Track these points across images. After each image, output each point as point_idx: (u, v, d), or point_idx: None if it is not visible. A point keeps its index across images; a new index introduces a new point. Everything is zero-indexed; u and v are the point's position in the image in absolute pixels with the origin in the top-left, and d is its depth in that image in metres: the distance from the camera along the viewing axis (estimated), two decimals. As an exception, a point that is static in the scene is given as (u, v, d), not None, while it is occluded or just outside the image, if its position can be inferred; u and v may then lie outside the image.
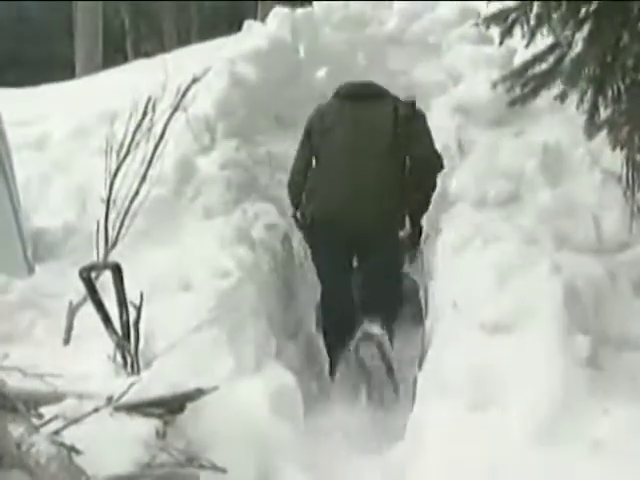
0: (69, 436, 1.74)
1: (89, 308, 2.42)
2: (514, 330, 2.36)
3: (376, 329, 2.61)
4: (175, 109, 2.86)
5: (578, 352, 2.27)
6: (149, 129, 2.72)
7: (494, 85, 2.87)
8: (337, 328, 2.76)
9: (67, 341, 2.49)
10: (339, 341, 2.73)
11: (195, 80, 2.90)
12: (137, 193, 2.76)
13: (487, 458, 2.09)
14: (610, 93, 2.43)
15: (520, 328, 2.35)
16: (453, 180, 3.03)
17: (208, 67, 3.12)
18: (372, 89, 2.86)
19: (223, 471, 1.83)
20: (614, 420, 2.13)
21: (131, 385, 1.85)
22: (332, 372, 2.78)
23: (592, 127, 2.41)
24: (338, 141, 2.71)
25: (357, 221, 2.67)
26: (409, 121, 2.73)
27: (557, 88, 2.58)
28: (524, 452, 2.08)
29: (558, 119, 3.04)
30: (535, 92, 2.64)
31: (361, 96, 2.79)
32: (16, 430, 1.64)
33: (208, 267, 2.73)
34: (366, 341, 2.59)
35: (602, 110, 2.45)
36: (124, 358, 2.32)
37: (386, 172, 2.72)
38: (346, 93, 2.82)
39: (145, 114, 2.74)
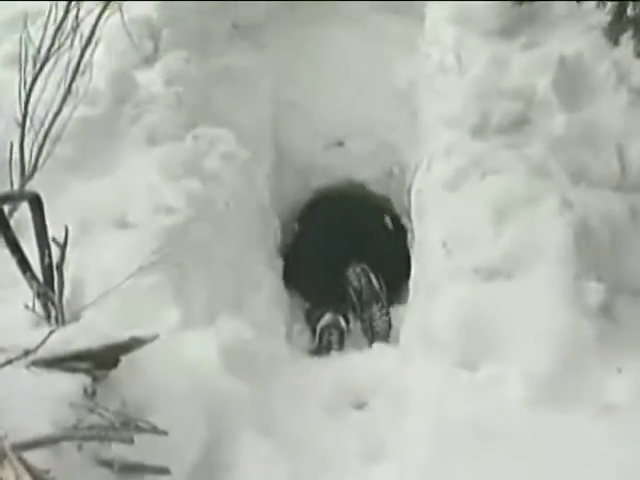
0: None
1: (2, 250, 2.41)
2: (514, 276, 2.42)
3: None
4: (106, 5, 2.80)
5: (589, 301, 2.34)
6: (74, 29, 2.66)
7: (499, -22, 2.85)
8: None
9: (-25, 290, 2.49)
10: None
11: (132, -31, 2.83)
12: (60, 111, 2.71)
13: (478, 423, 2.17)
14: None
15: (521, 273, 2.42)
16: (449, 101, 3.03)
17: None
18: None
19: (164, 434, 1.87)
20: (629, 381, 2.22)
21: (50, 333, 1.86)
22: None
23: (615, 29, 2.41)
24: None
25: None
26: None
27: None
28: (521, 417, 2.17)
29: (578, 27, 3.03)
30: (549, -14, 2.63)
31: None
32: None
33: (150, 202, 2.72)
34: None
35: (629, 11, 2.45)
36: (46, 308, 2.32)
37: None
38: None
39: (68, 11, 2.67)
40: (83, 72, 2.74)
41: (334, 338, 2.96)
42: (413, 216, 3.03)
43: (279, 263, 3.31)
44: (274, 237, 3.37)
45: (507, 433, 2.14)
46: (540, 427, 2.13)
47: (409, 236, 3.27)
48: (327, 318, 3.01)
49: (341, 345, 2.96)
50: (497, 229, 2.53)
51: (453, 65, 3.17)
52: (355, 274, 3.17)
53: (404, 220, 3.37)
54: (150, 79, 3.19)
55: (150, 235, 2.62)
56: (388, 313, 3.05)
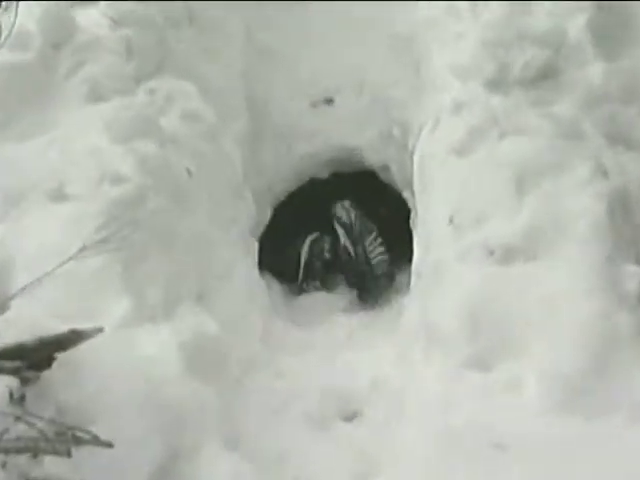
0: None
1: None
2: (535, 257, 2.44)
3: None
4: None
5: (626, 288, 2.36)
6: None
7: None
8: None
9: None
10: None
11: None
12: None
13: (490, 434, 2.19)
14: None
15: (544, 254, 2.43)
16: (460, 48, 3.04)
17: None
18: None
19: (109, 446, 1.89)
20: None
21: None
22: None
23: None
24: None
25: None
26: None
27: None
28: (541, 426, 2.19)
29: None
30: None
31: None
32: None
33: (93, 169, 2.72)
34: None
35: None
36: (-35, 297, 2.34)
37: None
38: None
39: None
40: (6, 8, 2.73)
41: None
42: (416, 186, 3.05)
43: (254, 245, 3.34)
44: (247, 214, 3.38)
45: (525, 445, 2.17)
46: (564, 438, 2.16)
47: (412, 213, 3.30)
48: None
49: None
50: (516, 201, 2.55)
51: (466, 5, 3.18)
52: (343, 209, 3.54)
53: (406, 194, 3.41)
54: (93, 20, 3.18)
55: (94, 209, 2.62)
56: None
